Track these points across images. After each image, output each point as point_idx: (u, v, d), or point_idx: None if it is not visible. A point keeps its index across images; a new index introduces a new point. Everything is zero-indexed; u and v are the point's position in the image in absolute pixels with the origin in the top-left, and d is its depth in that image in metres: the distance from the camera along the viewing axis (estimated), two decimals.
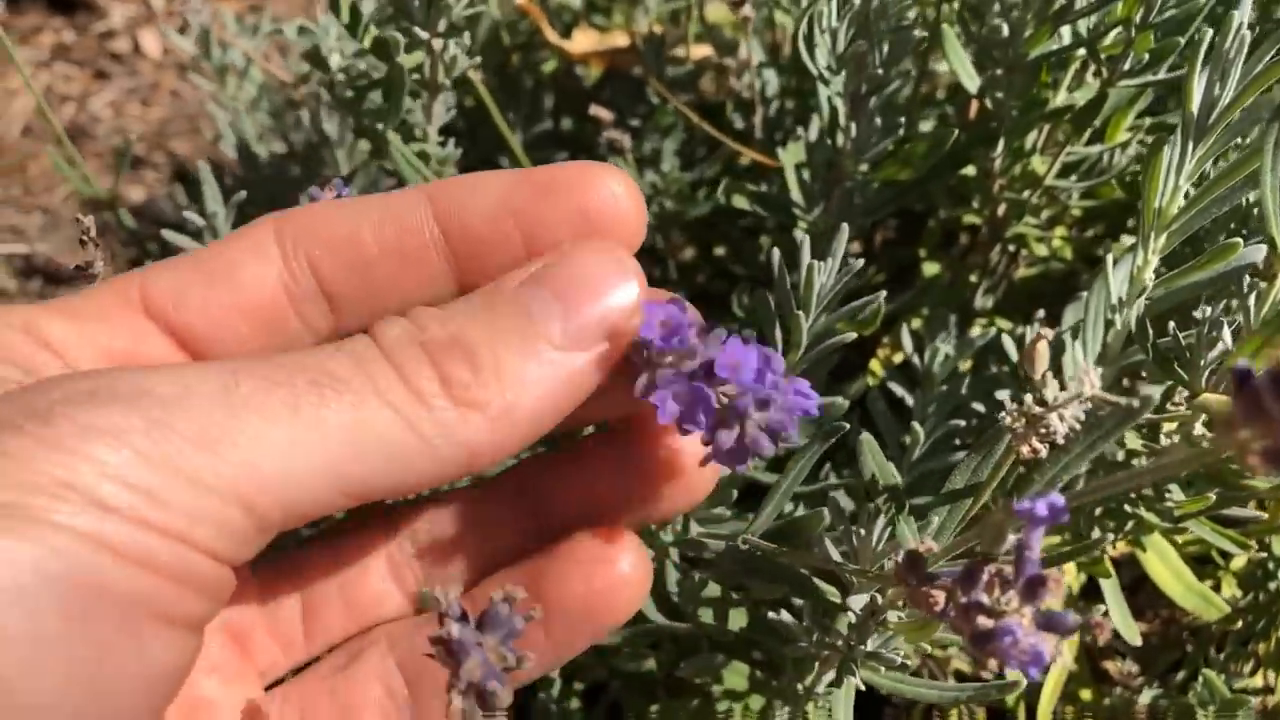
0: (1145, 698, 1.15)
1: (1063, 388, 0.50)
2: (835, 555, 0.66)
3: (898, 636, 0.69)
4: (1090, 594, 1.13)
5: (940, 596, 0.51)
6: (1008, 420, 0.51)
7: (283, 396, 0.48)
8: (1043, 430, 0.50)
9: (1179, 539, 1.11)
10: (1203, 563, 1.18)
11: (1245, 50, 0.70)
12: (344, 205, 0.59)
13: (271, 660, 0.63)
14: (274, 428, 0.47)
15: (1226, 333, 0.62)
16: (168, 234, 1.04)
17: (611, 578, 0.58)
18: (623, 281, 0.55)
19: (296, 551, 0.65)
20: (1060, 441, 0.50)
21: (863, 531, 0.63)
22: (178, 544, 0.46)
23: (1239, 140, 0.76)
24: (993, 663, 0.47)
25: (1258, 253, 0.73)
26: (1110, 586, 0.95)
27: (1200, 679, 1.05)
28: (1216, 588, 1.15)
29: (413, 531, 0.64)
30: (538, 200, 0.57)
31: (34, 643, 0.42)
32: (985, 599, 0.48)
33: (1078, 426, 0.49)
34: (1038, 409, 0.50)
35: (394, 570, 0.64)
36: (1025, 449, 0.52)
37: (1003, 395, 0.80)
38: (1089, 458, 0.51)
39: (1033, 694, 1.13)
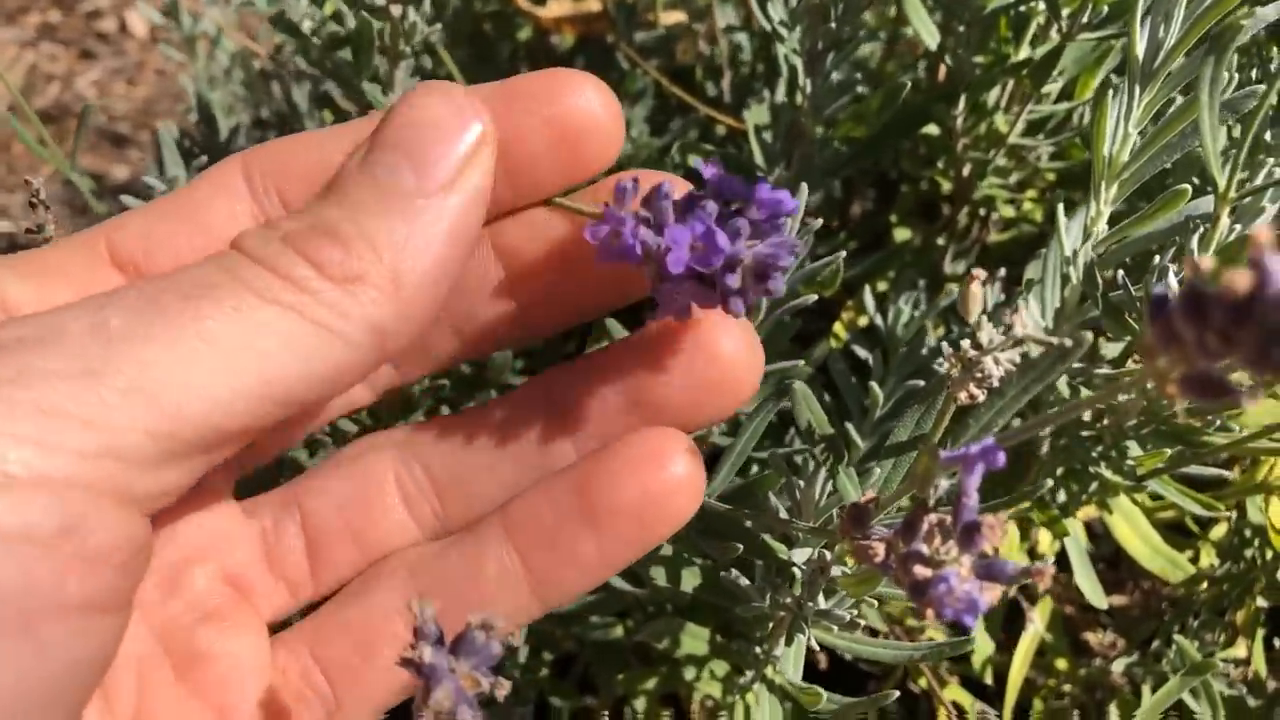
0: (1120, 666, 1.15)
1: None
2: (783, 512, 0.65)
3: (849, 596, 0.68)
4: (1064, 562, 1.12)
5: (881, 548, 0.50)
6: (944, 366, 0.50)
7: (158, 313, 0.46)
8: (979, 375, 0.50)
9: (1150, 505, 1.11)
10: (1184, 534, 1.18)
11: None
12: (313, 135, 0.57)
13: (279, 603, 0.60)
14: (157, 349, 0.45)
15: (1173, 280, 0.61)
16: (127, 199, 1.03)
17: (666, 479, 0.55)
18: (460, 115, 0.52)
19: (296, 483, 0.62)
20: (997, 385, 0.50)
21: (803, 484, 0.62)
22: (68, 495, 0.42)
23: (1183, 91, 0.75)
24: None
25: (1207, 203, 0.72)
26: (1074, 546, 0.95)
27: (1174, 646, 1.05)
28: (1195, 558, 1.15)
29: (427, 455, 0.61)
30: (508, 111, 0.55)
31: None
32: (925, 549, 0.48)
33: (1013, 370, 0.49)
34: (973, 353, 0.49)
35: (407, 499, 0.61)
36: (963, 395, 0.51)
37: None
38: (1023, 400, 0.51)
39: (1006, 659, 1.13)
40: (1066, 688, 1.19)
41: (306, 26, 1.21)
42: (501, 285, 0.59)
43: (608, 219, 0.53)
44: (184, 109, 2.47)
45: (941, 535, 0.47)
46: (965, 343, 0.50)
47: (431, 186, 0.51)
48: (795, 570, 0.66)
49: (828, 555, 0.65)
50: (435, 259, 0.50)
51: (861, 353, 1.03)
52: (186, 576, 0.57)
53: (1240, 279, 0.31)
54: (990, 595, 0.45)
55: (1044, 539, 1.13)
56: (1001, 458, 0.44)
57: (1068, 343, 0.47)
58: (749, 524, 0.66)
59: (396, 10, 1.00)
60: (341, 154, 0.55)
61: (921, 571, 0.46)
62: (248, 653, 0.57)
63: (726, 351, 0.57)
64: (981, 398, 0.51)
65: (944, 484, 0.51)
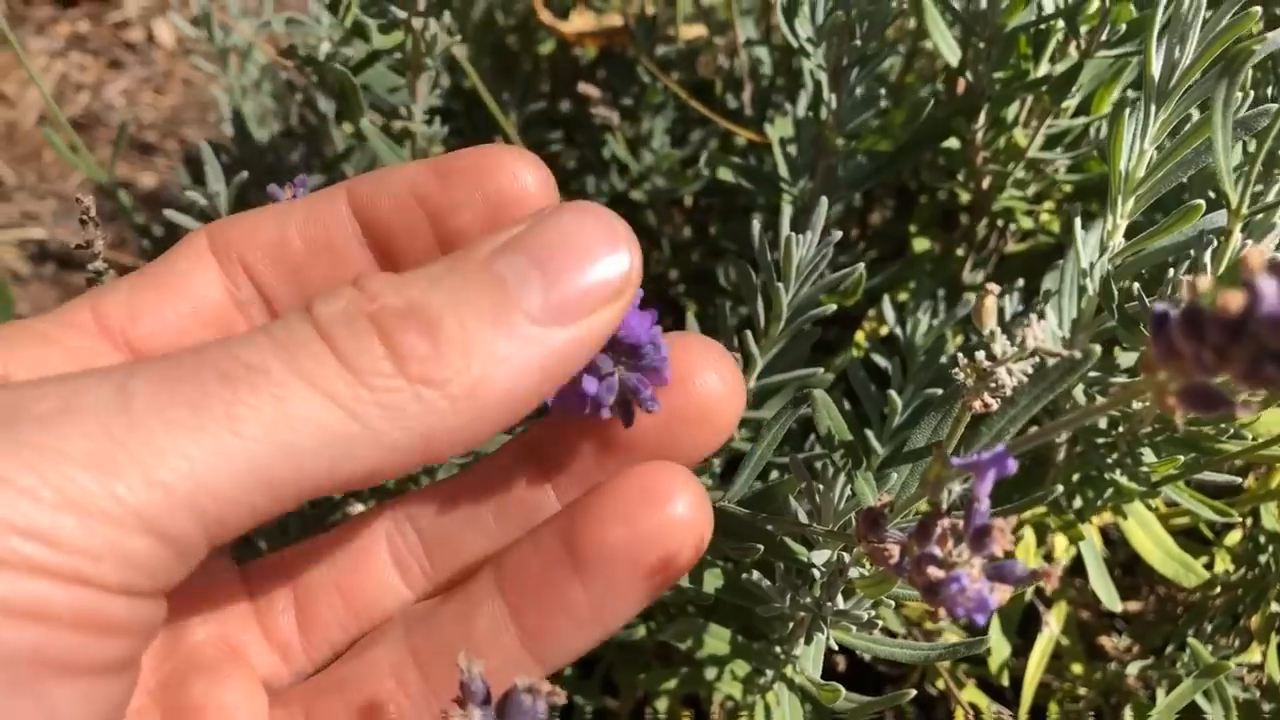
0: (1134, 669, 1.16)
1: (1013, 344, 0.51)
2: (802, 516, 0.67)
3: (864, 599, 0.71)
4: (1082, 568, 1.14)
5: (895, 550, 0.52)
6: (959, 375, 0.52)
7: (188, 397, 0.42)
8: (993, 384, 0.52)
9: (1165, 511, 1.12)
10: (1199, 541, 1.19)
11: (1202, 13, 0.71)
12: (269, 210, 0.58)
13: (271, 668, 0.58)
14: (179, 435, 0.42)
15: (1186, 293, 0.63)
16: (171, 214, 1.05)
17: (665, 518, 0.51)
18: (612, 247, 0.49)
19: (292, 548, 0.60)
20: (1010, 395, 0.52)
21: (822, 489, 0.64)
22: (73, 586, 0.40)
23: (1200, 107, 0.77)
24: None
25: (1221, 217, 0.74)
26: (1089, 551, 0.97)
27: (1188, 650, 1.07)
28: (1210, 564, 1.16)
29: (416, 516, 0.59)
30: (441, 186, 0.55)
31: None
32: (938, 551, 0.50)
33: (1026, 380, 0.51)
34: (987, 363, 0.51)
35: (398, 558, 0.59)
36: (978, 403, 0.53)
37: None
38: (1035, 409, 0.53)
39: (1022, 664, 1.15)
40: (1081, 691, 1.21)
41: (324, 49, 1.25)
42: None
43: None
44: (216, 120, 2.51)
45: (954, 539, 0.49)
46: (980, 354, 0.52)
47: (554, 314, 0.47)
48: (815, 572, 0.69)
49: (846, 558, 0.67)
50: (526, 388, 0.47)
51: (882, 361, 1.05)
52: (182, 635, 0.56)
53: (1234, 299, 0.34)
54: (1000, 595, 0.47)
55: (1059, 544, 1.15)
56: (1012, 465, 0.46)
57: (1078, 355, 0.49)
58: (769, 527, 0.68)
59: (419, 23, 1.02)
60: (296, 229, 0.56)
61: (935, 573, 0.48)
62: (242, 706, 0.55)
63: (705, 387, 0.55)
64: (995, 406, 0.53)
65: (957, 489, 0.53)
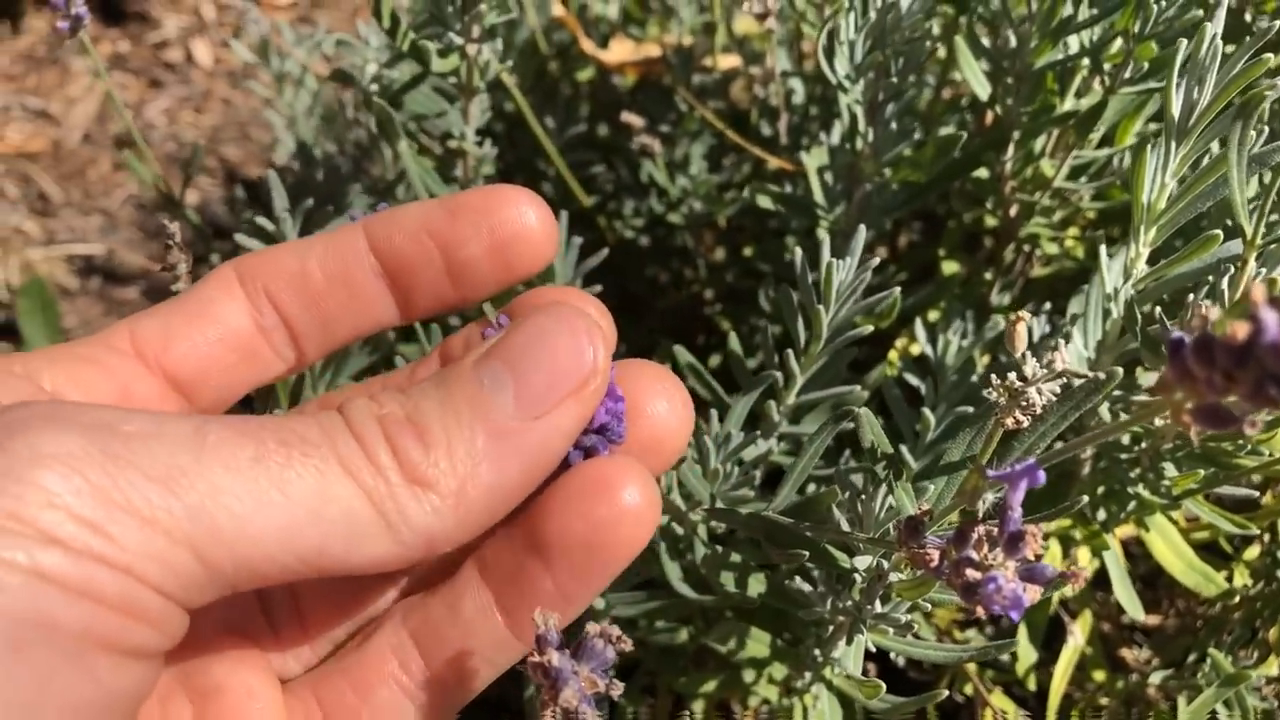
0: (1156, 679, 1.20)
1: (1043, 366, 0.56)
2: (844, 524, 0.72)
3: (903, 601, 0.75)
4: (1104, 582, 1.18)
5: (936, 555, 0.57)
6: (992, 395, 0.57)
7: (250, 450, 0.49)
8: (1023, 403, 0.56)
9: (1185, 524, 1.16)
10: (1220, 556, 1.23)
11: (1219, 57, 0.76)
12: (292, 245, 0.64)
13: (280, 662, 0.63)
14: (236, 478, 0.48)
15: (1198, 323, 0.67)
16: (241, 238, 1.11)
17: (614, 508, 0.55)
18: (577, 346, 0.54)
19: None
20: (1039, 413, 0.57)
21: (864, 498, 0.69)
22: (125, 577, 0.46)
23: (1219, 140, 0.82)
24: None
25: (1237, 245, 0.79)
26: (1112, 562, 1.01)
27: (1208, 661, 1.10)
28: (1230, 579, 1.20)
29: None
30: (451, 222, 0.61)
31: None
32: (974, 555, 0.55)
33: (1054, 399, 0.56)
34: (1018, 384, 0.56)
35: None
36: (1010, 421, 0.58)
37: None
38: (1063, 426, 0.57)
39: (1046, 674, 1.19)
40: (1104, 701, 1.25)
41: (370, 71, 1.30)
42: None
43: None
44: (260, 140, 2.57)
45: (989, 544, 0.54)
46: (1012, 375, 0.57)
47: (525, 412, 0.53)
48: (856, 577, 0.73)
49: (885, 564, 0.72)
50: (508, 480, 0.53)
51: (914, 380, 1.10)
52: (200, 629, 0.59)
53: (1240, 329, 0.39)
54: (1031, 594, 0.52)
55: (1083, 558, 1.19)
56: (1042, 476, 0.51)
57: (1102, 376, 0.54)
58: (811, 535, 0.73)
59: (473, 49, 1.08)
60: (316, 262, 0.63)
61: (972, 574, 0.53)
62: (259, 686, 0.59)
63: (656, 414, 0.60)
64: (1026, 423, 0.58)
65: (990, 498, 0.58)
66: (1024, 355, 0.56)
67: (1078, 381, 0.57)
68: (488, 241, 0.62)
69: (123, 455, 0.46)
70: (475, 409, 0.53)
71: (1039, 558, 0.53)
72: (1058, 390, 0.56)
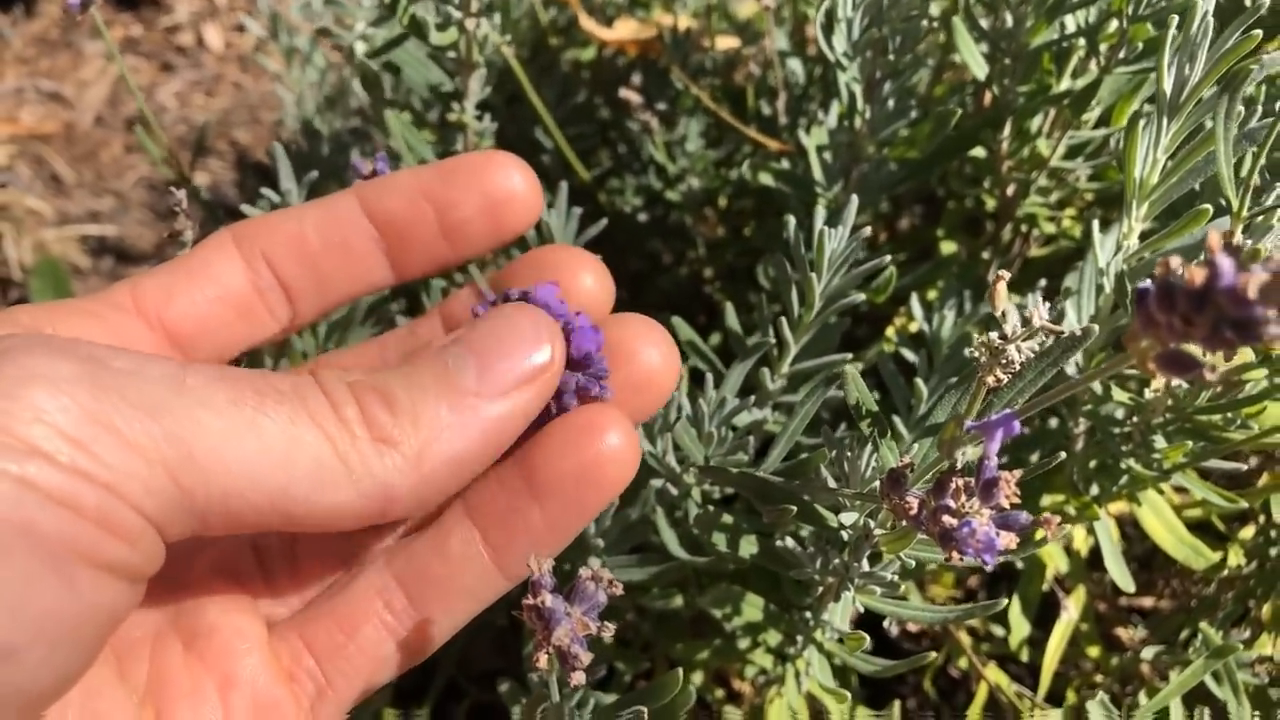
0: (1149, 654, 1.21)
1: (1023, 324, 0.58)
2: (830, 481, 0.74)
3: (890, 561, 0.77)
4: (1099, 562, 1.19)
5: (915, 504, 0.59)
6: (974, 353, 0.59)
7: (227, 392, 0.52)
8: (1004, 361, 0.58)
9: (1179, 503, 1.18)
10: (1217, 537, 1.24)
11: (1210, 35, 0.77)
12: (289, 210, 0.69)
13: (269, 606, 0.66)
14: (212, 415, 0.51)
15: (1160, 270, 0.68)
16: (247, 209, 1.13)
17: (600, 449, 0.60)
18: (536, 340, 0.60)
19: None
20: (1018, 370, 0.58)
21: (850, 456, 0.71)
22: (105, 493, 0.48)
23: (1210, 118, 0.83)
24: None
25: (1227, 221, 0.80)
26: (1105, 535, 1.02)
27: (1199, 636, 1.12)
28: (1223, 559, 1.21)
29: None
30: (445, 184, 0.66)
31: None
32: (951, 503, 0.56)
33: (1032, 356, 0.57)
34: (999, 342, 0.58)
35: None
36: (991, 379, 0.59)
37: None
38: (1040, 382, 0.59)
39: (1041, 651, 1.20)
40: (1098, 678, 1.26)
41: (358, 29, 1.32)
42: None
43: None
44: (268, 121, 2.59)
45: (966, 494, 0.56)
46: (992, 333, 0.59)
47: (486, 390, 0.58)
48: (843, 535, 0.75)
49: (871, 523, 0.73)
50: (461, 450, 0.57)
51: (910, 355, 1.12)
52: (192, 572, 0.65)
53: (1197, 274, 0.40)
54: (1006, 540, 0.54)
55: (1078, 537, 1.21)
56: (1018, 426, 0.53)
57: (1077, 332, 0.55)
58: (801, 494, 0.75)
59: (471, 23, 1.10)
60: (313, 226, 0.68)
61: (949, 520, 0.55)
62: (248, 627, 0.63)
63: (648, 359, 0.65)
64: (1006, 381, 0.59)
65: (972, 454, 0.60)
66: (1004, 313, 0.57)
67: (1055, 339, 0.59)
68: (480, 203, 0.67)
69: (110, 384, 0.50)
70: (440, 383, 0.58)
71: (1014, 506, 0.54)
72: (1035, 348, 0.58)
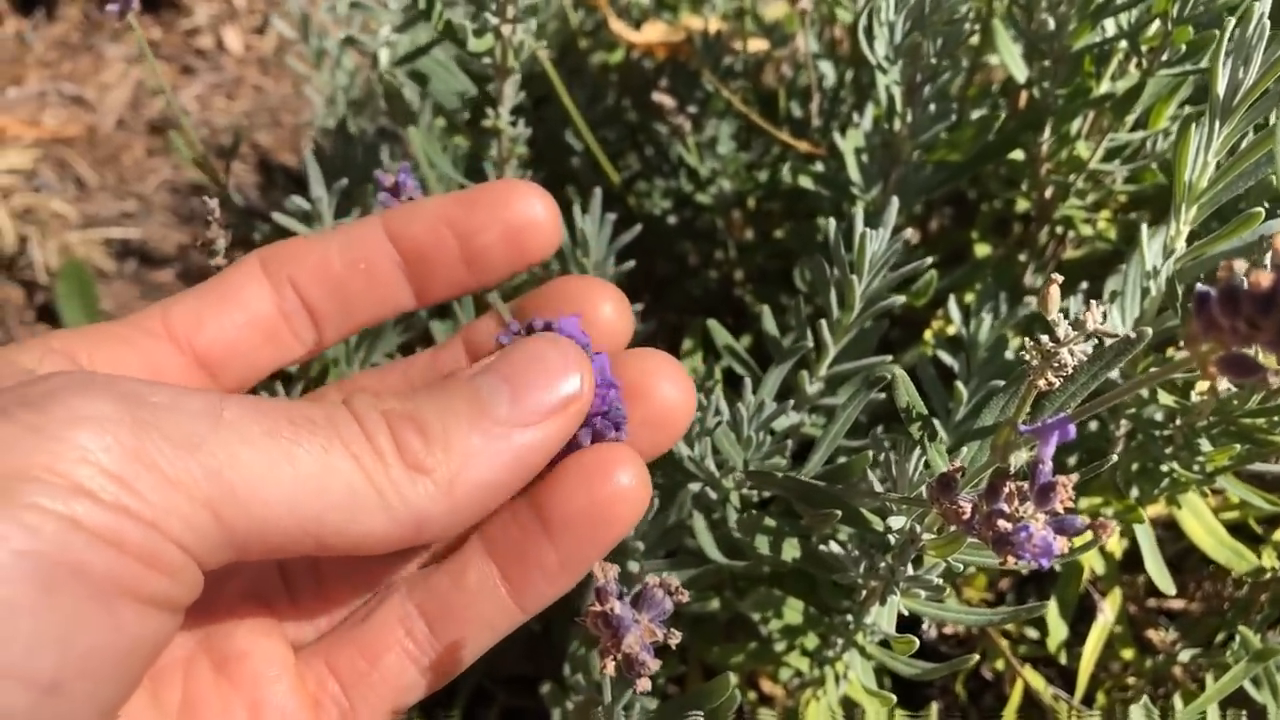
0: (1185, 656, 1.21)
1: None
2: (877, 485, 0.74)
3: (936, 565, 0.77)
4: (1132, 565, 1.19)
5: (968, 508, 0.59)
6: (1027, 357, 0.58)
7: (263, 424, 0.54)
8: (1056, 364, 0.58)
9: (1215, 505, 1.17)
10: (1251, 539, 1.23)
11: (1266, 38, 0.77)
12: (314, 236, 0.70)
13: (297, 630, 0.67)
14: (249, 449, 0.52)
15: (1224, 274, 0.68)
16: (279, 217, 1.14)
17: (612, 488, 0.61)
18: (566, 370, 0.60)
19: None
20: (1070, 373, 0.58)
21: (898, 460, 0.71)
22: (149, 529, 0.49)
23: (1263, 120, 0.83)
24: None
25: (1278, 223, 0.80)
26: (1144, 536, 1.02)
27: (1237, 639, 1.11)
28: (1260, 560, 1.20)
29: None
30: (467, 212, 0.67)
31: (5, 608, 0.46)
32: (1005, 508, 0.56)
33: (1084, 360, 0.57)
34: (1051, 345, 0.57)
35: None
36: (1042, 382, 0.59)
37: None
38: (1093, 385, 0.59)
39: (1076, 654, 1.20)
40: (1131, 681, 1.25)
41: (384, 35, 1.32)
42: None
43: None
44: (305, 120, 2.59)
45: (1019, 499, 0.56)
46: (1044, 337, 0.59)
47: (518, 419, 0.59)
48: (890, 538, 0.75)
49: (918, 527, 0.73)
50: (491, 478, 0.58)
51: (947, 359, 1.11)
52: (223, 597, 0.65)
53: (1265, 277, 0.40)
54: (1062, 544, 0.53)
55: (1113, 541, 1.20)
56: (1073, 430, 0.53)
57: (1132, 335, 0.55)
58: (844, 497, 0.74)
59: (507, 30, 1.10)
60: (337, 252, 0.68)
61: (1004, 525, 0.55)
62: (276, 653, 0.64)
63: (663, 396, 0.65)
64: (1058, 385, 0.59)
65: (1023, 458, 0.60)
66: (1057, 317, 0.57)
67: (1109, 342, 0.59)
68: (501, 230, 0.68)
69: (150, 421, 0.51)
70: (473, 410, 0.58)
71: (1069, 510, 0.54)
72: (1088, 351, 0.57)
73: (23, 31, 2.83)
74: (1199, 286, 0.42)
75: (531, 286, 0.78)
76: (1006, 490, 0.56)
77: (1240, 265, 0.42)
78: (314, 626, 0.67)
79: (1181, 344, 0.52)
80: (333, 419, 0.56)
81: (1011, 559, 0.54)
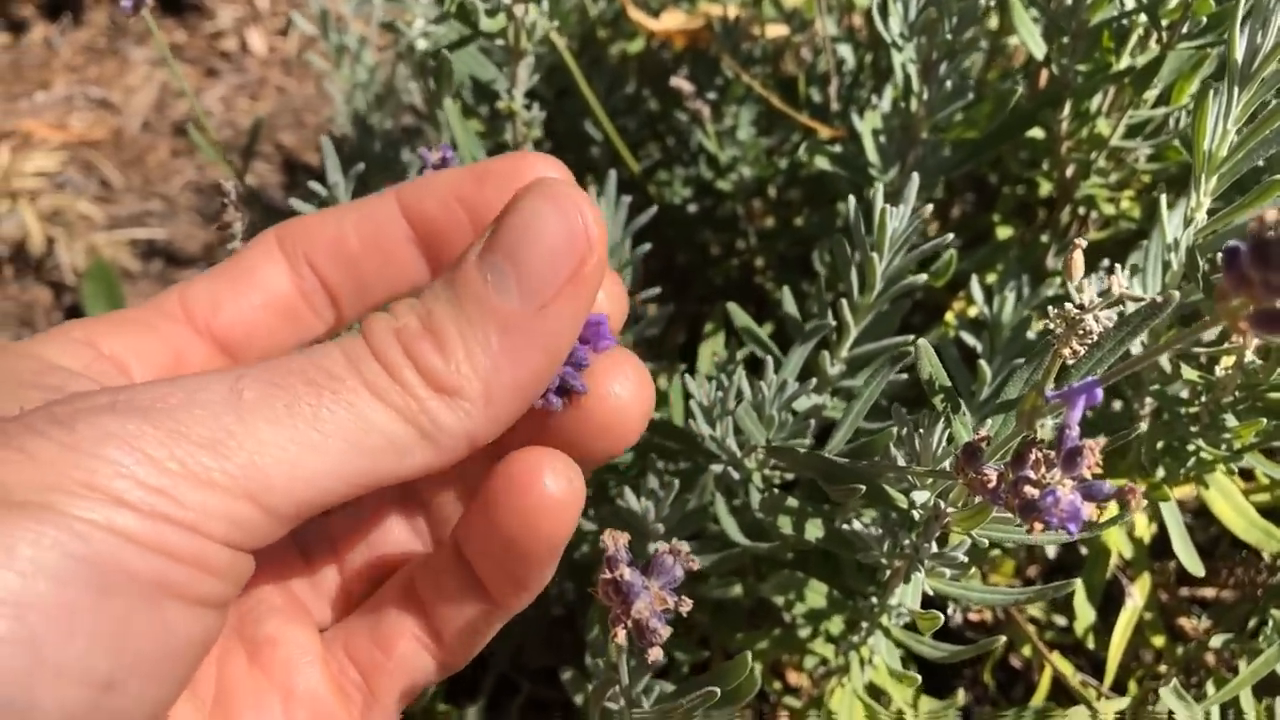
0: (1216, 642, 1.19)
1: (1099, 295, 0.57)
2: (900, 460, 0.73)
3: (961, 542, 0.76)
4: (1161, 552, 1.18)
5: (994, 476, 0.58)
6: (1051, 324, 0.58)
7: (283, 399, 0.52)
8: (1081, 332, 0.57)
9: (1245, 488, 1.15)
10: (1278, 520, 1.22)
11: None
12: (329, 212, 0.68)
13: (320, 615, 0.67)
14: (276, 429, 0.51)
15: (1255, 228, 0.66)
16: (295, 203, 1.14)
17: (534, 498, 0.57)
18: (568, 223, 0.55)
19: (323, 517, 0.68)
20: (1096, 340, 0.57)
21: (921, 433, 0.70)
22: (191, 534, 0.50)
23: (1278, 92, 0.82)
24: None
25: None
26: (1171, 517, 1.01)
27: (1270, 624, 1.10)
28: None
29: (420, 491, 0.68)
30: (479, 187, 0.64)
31: (61, 608, 0.46)
32: (1032, 474, 0.55)
33: (1110, 326, 0.56)
34: (1076, 312, 0.57)
35: (414, 526, 0.68)
36: (1067, 351, 0.58)
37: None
38: (1119, 352, 0.58)
39: (1104, 641, 1.18)
40: (1162, 669, 1.24)
41: (418, 26, 1.32)
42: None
43: None
44: (319, 122, 2.60)
45: (1046, 466, 0.55)
46: (1069, 304, 0.58)
47: (531, 306, 0.55)
48: (914, 514, 0.74)
49: (943, 503, 0.72)
50: (530, 369, 0.55)
51: (970, 340, 1.10)
52: (253, 585, 0.65)
53: None
54: (1089, 510, 0.53)
55: (1140, 523, 1.19)
56: (1099, 394, 0.52)
57: (1159, 299, 0.54)
58: (868, 472, 0.74)
59: (520, 10, 1.09)
60: (352, 229, 0.67)
61: (1030, 491, 0.54)
62: (306, 640, 0.64)
63: (614, 395, 0.61)
64: (1083, 354, 0.58)
65: (1049, 426, 0.59)
66: (1081, 283, 0.56)
67: (1134, 307, 0.58)
68: None
69: (174, 428, 0.50)
70: (483, 307, 0.55)
71: (1097, 476, 0.53)
72: (1113, 318, 0.56)
73: (50, 37, 2.85)
74: (1230, 243, 0.41)
75: None
76: (1033, 457, 0.56)
77: (1273, 216, 0.41)
78: (333, 610, 0.67)
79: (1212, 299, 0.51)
80: (352, 360, 0.54)
81: (1039, 526, 0.53)
